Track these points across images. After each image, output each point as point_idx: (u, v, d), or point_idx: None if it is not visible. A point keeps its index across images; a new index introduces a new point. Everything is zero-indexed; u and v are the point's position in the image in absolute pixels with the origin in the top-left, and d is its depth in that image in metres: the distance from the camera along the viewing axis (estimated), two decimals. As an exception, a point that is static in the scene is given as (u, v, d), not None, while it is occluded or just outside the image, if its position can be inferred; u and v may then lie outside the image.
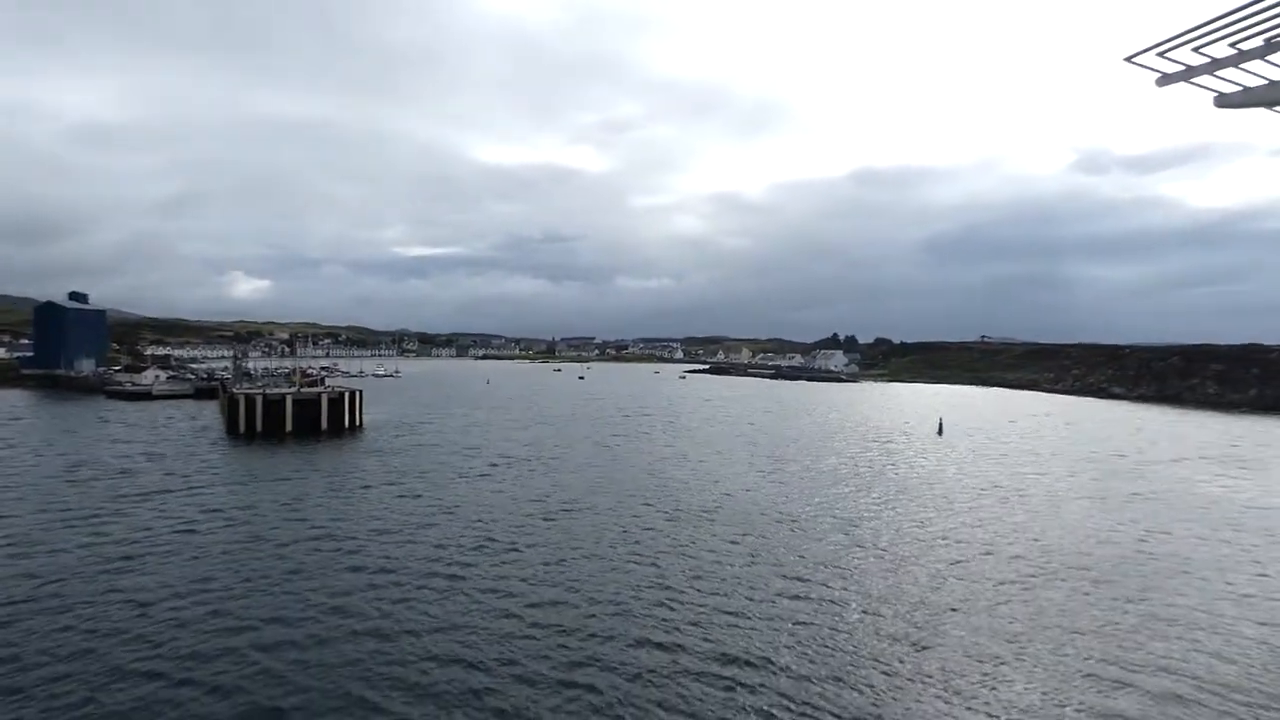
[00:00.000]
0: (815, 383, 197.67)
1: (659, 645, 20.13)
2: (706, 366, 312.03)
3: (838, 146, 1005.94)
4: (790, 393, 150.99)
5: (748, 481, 45.45)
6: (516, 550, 29.25)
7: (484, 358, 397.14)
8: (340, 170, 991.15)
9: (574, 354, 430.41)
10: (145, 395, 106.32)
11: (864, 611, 23.07)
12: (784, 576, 26.44)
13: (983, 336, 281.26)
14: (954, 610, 23.25)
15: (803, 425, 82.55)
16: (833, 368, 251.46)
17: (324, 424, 66.67)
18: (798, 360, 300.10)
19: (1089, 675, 18.75)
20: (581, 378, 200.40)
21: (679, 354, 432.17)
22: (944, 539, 32.13)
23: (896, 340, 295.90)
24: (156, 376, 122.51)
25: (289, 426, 64.76)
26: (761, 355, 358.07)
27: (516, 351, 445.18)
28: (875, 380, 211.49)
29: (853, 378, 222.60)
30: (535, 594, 24.12)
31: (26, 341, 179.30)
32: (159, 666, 18.26)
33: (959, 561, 28.73)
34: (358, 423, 70.33)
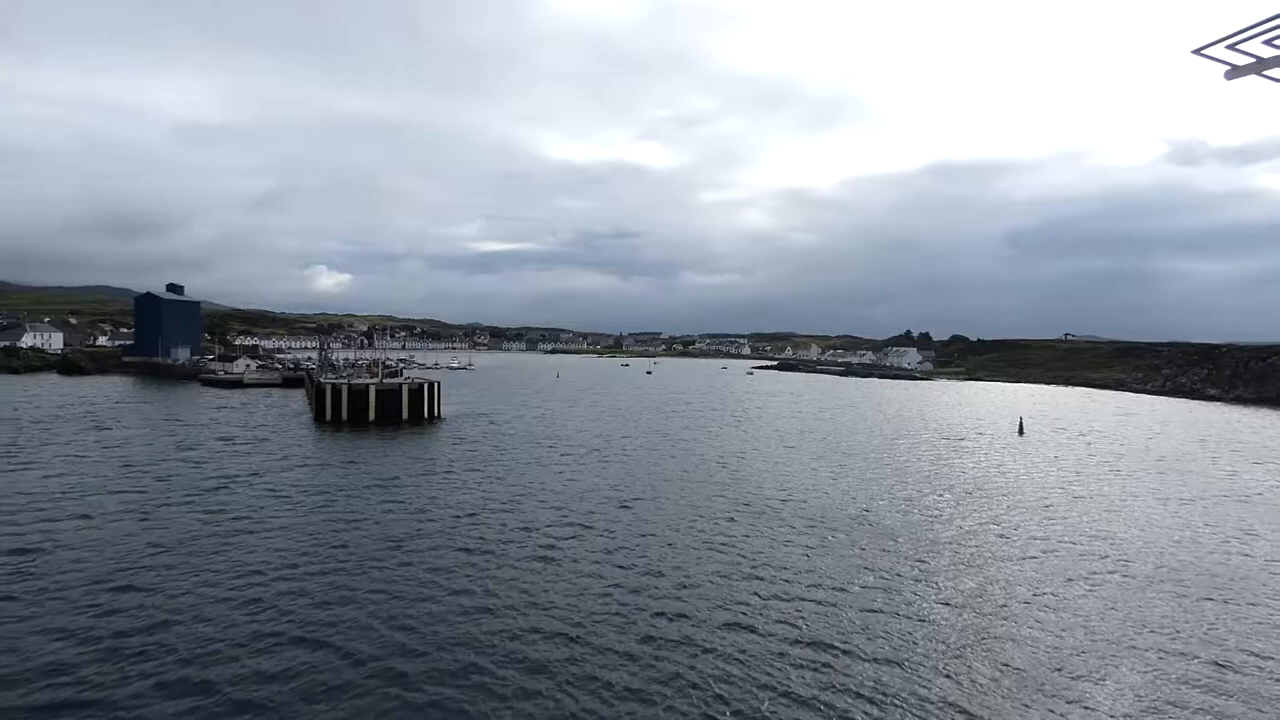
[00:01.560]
0: (887, 380, 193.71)
1: (737, 626, 20.64)
2: (774, 363, 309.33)
3: (912, 139, 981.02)
4: (861, 390, 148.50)
5: (817, 475, 45.33)
6: (597, 533, 30.17)
7: (552, 351, 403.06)
8: (419, 167, 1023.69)
9: (641, 349, 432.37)
10: (237, 383, 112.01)
11: (935, 601, 23.03)
12: (855, 566, 26.53)
13: (1066, 334, 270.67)
14: (1027, 602, 22.98)
15: (874, 422, 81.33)
16: (906, 365, 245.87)
17: (405, 413, 68.99)
18: (869, 357, 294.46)
19: (1162, 671, 18.37)
20: (649, 372, 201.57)
21: (746, 350, 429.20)
22: (1020, 536, 31.54)
23: (973, 337, 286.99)
24: (247, 366, 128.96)
25: (372, 415, 67.30)
26: (831, 352, 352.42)
27: (584, 346, 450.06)
28: (951, 378, 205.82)
29: (927, 375, 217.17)
30: (618, 575, 24.95)
31: (127, 331, 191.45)
32: (279, 629, 19.82)
33: (1033, 557, 28.24)
34: (437, 413, 72.58)
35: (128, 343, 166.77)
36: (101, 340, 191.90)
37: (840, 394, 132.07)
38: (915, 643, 19.90)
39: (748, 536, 30.43)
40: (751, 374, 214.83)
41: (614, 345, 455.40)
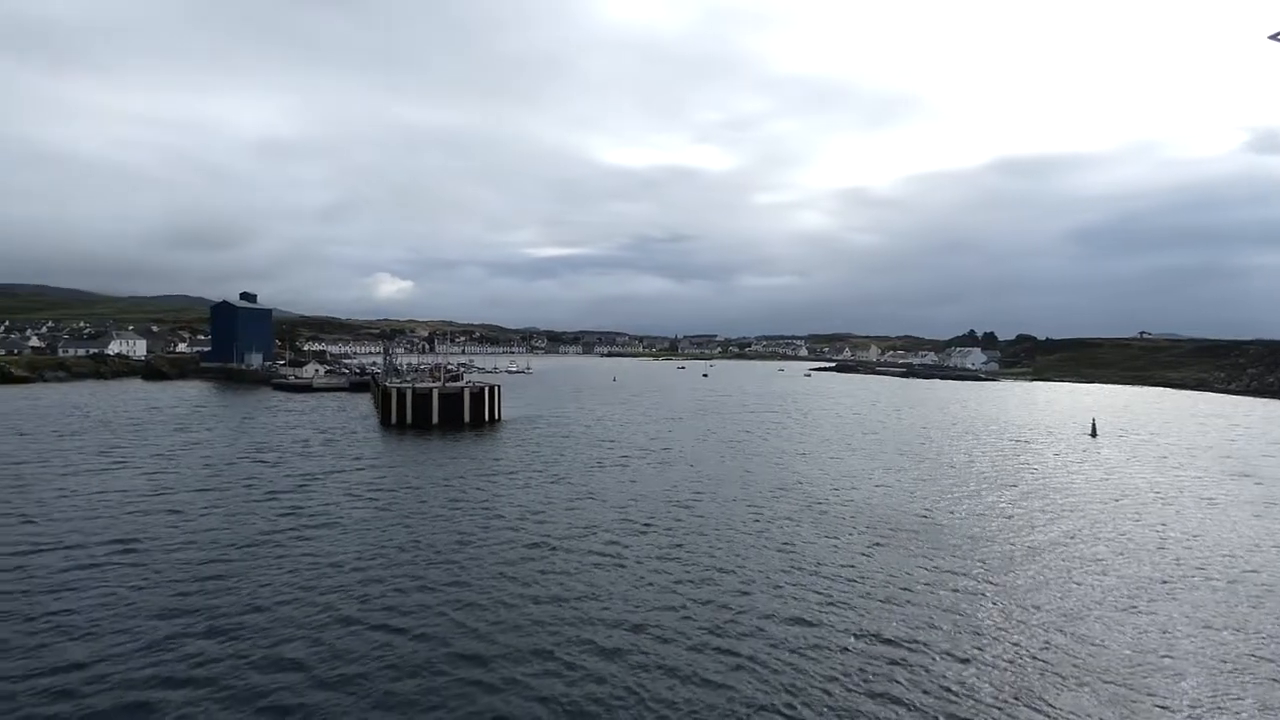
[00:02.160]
0: (951, 381, 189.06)
1: (802, 622, 20.76)
2: (832, 364, 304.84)
3: (975, 135, 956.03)
4: (923, 391, 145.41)
5: (877, 477, 44.81)
6: (659, 532, 30.58)
7: (609, 355, 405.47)
8: (477, 176, 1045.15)
9: (697, 351, 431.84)
10: (307, 388, 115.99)
11: (1004, 602, 22.70)
12: (920, 567, 26.29)
13: (1142, 332, 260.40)
14: (1098, 604, 22.43)
15: (937, 424, 79.69)
16: (970, 365, 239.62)
17: (467, 416, 70.42)
18: (931, 358, 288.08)
19: (1241, 676, 17.76)
20: (705, 375, 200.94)
21: (803, 351, 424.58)
22: (1092, 539, 30.73)
23: (1041, 337, 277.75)
24: (316, 371, 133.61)
25: (435, 419, 68.91)
26: (891, 353, 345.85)
27: (640, 349, 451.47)
28: (1017, 379, 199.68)
29: (992, 376, 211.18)
30: (681, 571, 25.30)
31: (204, 337, 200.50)
32: (360, 615, 20.84)
33: (1105, 560, 27.53)
34: (497, 416, 73.89)
35: (205, 349, 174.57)
36: (181, 347, 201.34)
37: (902, 395, 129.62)
38: (985, 643, 19.69)
39: (810, 537, 30.41)
40: (809, 376, 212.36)
41: (670, 348, 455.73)
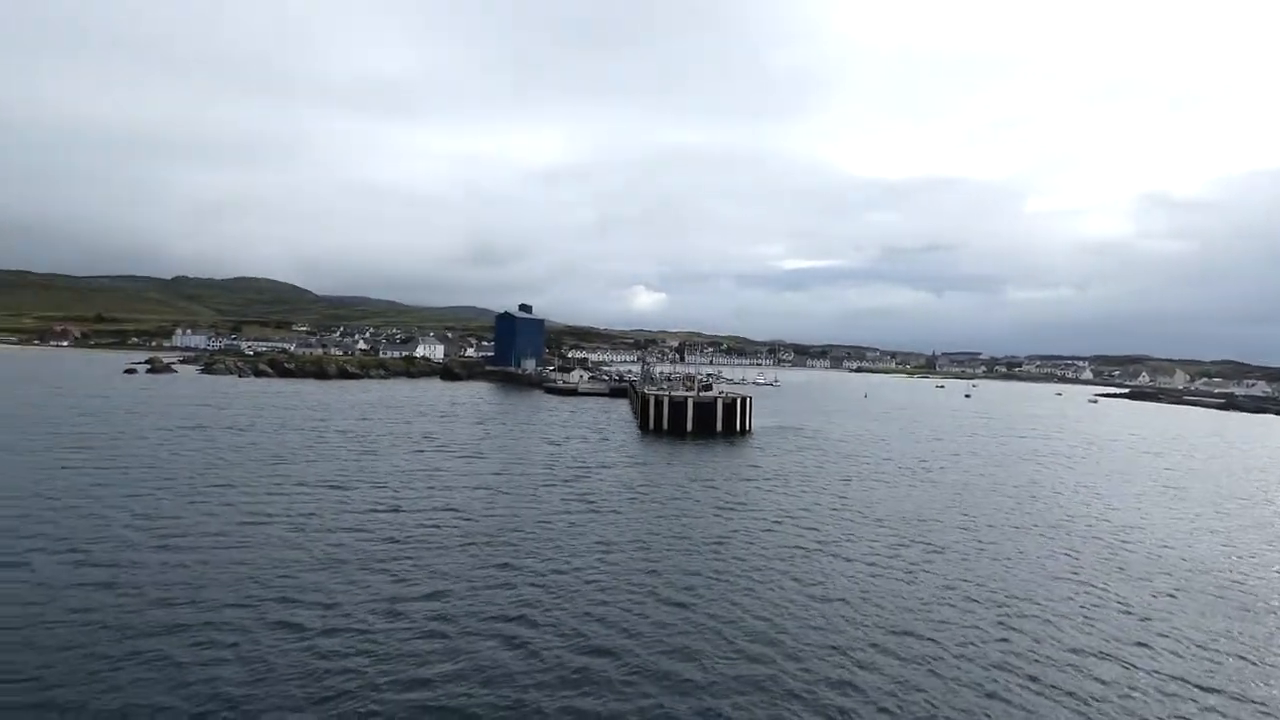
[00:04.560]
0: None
1: (1094, 645, 19.31)
2: (1124, 390, 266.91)
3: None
4: (1251, 428, 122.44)
5: (1184, 521, 39.41)
6: (928, 547, 29.80)
7: (858, 370, 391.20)
8: (731, 190, 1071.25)
9: (957, 370, 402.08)
10: (572, 392, 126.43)
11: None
12: (1238, 621, 22.98)
13: None
14: None
15: (1268, 467, 66.94)
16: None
17: (719, 425, 72.30)
18: (1261, 388, 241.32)
19: None
20: (968, 396, 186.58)
21: (1086, 374, 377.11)
22: None
23: None
24: (581, 377, 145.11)
25: (689, 426, 71.63)
26: (1204, 380, 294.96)
27: (893, 365, 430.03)
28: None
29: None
30: (959, 586, 24.61)
31: (487, 344, 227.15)
32: (651, 591, 23.16)
33: None
34: (748, 426, 74.91)
35: (488, 354, 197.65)
36: (469, 352, 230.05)
37: (1221, 431, 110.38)
38: None
39: (1101, 574, 27.88)
40: (1094, 402, 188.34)
41: (926, 365, 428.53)
